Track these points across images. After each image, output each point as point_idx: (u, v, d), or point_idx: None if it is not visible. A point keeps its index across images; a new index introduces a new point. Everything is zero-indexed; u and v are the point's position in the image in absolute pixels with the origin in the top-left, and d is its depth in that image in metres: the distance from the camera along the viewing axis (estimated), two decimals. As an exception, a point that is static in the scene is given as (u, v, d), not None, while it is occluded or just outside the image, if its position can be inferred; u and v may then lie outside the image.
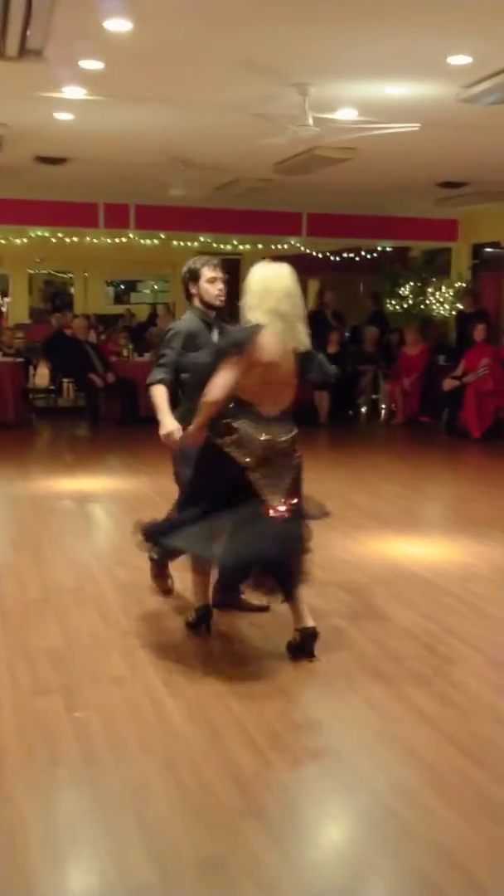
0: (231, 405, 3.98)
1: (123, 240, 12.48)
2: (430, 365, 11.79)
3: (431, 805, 2.95)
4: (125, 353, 12.57)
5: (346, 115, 6.82)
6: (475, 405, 10.45)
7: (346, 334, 13.50)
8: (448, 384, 10.65)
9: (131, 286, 19.43)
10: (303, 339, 4.01)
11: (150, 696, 3.73)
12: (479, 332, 10.86)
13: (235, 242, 13.33)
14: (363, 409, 13.11)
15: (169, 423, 4.36)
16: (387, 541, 6.23)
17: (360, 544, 6.08)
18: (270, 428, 3.98)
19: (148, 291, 19.29)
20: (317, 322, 13.26)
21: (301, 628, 4.06)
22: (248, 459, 3.94)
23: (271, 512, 3.93)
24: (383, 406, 12.84)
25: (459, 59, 5.51)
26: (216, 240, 13.14)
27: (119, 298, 20.17)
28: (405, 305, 13.84)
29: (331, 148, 7.72)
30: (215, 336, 4.50)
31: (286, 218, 12.64)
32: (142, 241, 12.63)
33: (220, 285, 4.59)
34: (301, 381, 4.10)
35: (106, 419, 11.75)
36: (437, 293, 13.31)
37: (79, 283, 19.01)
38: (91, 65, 5.69)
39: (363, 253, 14.71)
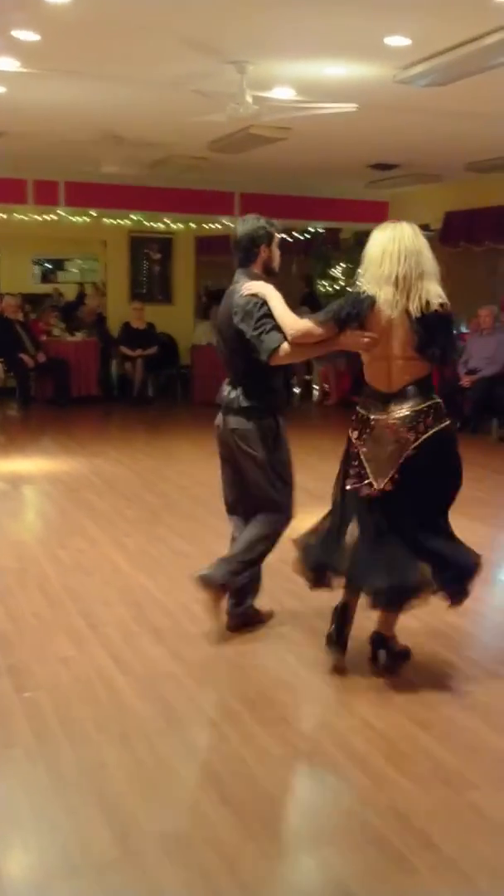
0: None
1: (52, 217, 12.25)
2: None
3: (385, 772, 3.03)
4: (56, 332, 12.41)
5: (284, 94, 6.82)
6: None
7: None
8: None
9: (58, 265, 19.09)
10: (426, 298, 3.51)
11: (100, 675, 3.73)
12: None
13: (168, 221, 13.21)
14: (296, 390, 13.19)
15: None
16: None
17: (300, 521, 6.11)
18: (385, 406, 3.62)
19: (76, 270, 18.98)
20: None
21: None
22: (358, 440, 3.69)
23: (364, 489, 3.63)
24: (316, 386, 12.94)
25: (397, 41, 5.54)
26: (148, 218, 12.99)
27: (46, 277, 19.81)
28: (337, 287, 13.95)
29: (266, 127, 7.70)
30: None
31: (219, 197, 12.58)
32: (71, 219, 12.42)
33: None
34: (421, 354, 3.56)
35: (37, 400, 11.59)
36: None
37: (4, 260, 18.63)
38: (26, 36, 5.55)
39: (295, 234, 14.74)
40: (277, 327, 3.75)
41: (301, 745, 3.24)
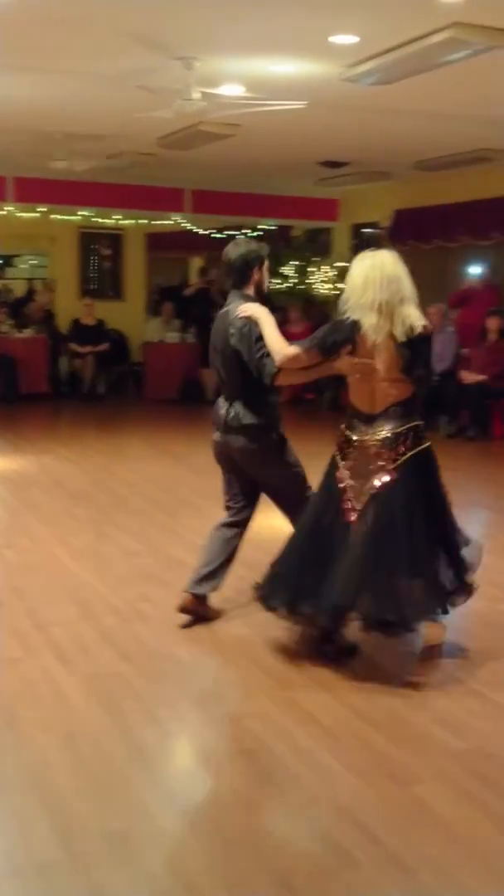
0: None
1: (1, 213, 12.10)
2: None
3: (331, 767, 3.04)
4: (4, 328, 12.26)
5: (232, 90, 6.81)
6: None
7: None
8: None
9: (7, 261, 18.85)
10: (407, 325, 3.67)
11: (46, 676, 3.69)
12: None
13: (118, 217, 13.12)
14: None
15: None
16: (277, 514, 6.30)
17: (254, 519, 6.13)
18: (367, 427, 3.77)
19: (25, 266, 18.75)
20: (203, 300, 13.27)
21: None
22: (341, 461, 3.82)
23: (348, 515, 3.73)
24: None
25: (343, 39, 5.57)
26: (98, 214, 12.89)
27: (-7, 273, 19.56)
28: (288, 284, 13.96)
29: (215, 123, 7.70)
30: None
31: (169, 194, 12.53)
32: (20, 215, 12.28)
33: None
34: (408, 376, 3.72)
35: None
36: (319, 272, 13.48)
37: (-48, 257, 18.35)
38: (-30, 29, 5.48)
39: (246, 231, 14.73)
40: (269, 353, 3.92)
41: (247, 741, 3.23)
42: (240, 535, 4.33)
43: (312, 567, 3.75)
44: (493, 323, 9.95)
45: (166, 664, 3.84)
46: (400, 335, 3.66)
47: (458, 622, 4.31)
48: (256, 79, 6.58)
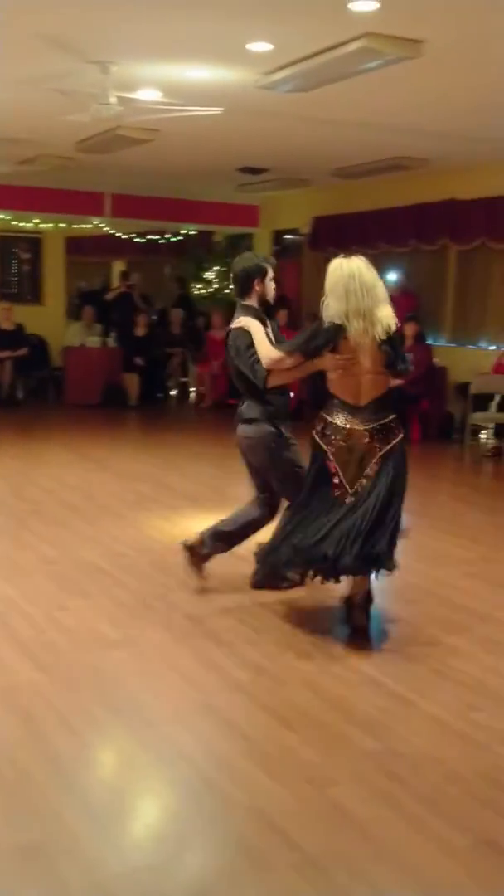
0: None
1: None
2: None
3: (249, 772, 3.05)
4: None
5: (149, 95, 6.80)
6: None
7: (154, 317, 13.50)
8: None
9: None
10: (385, 324, 4.07)
11: (-40, 688, 3.61)
12: (281, 317, 11.14)
13: (37, 221, 12.96)
14: (172, 392, 13.18)
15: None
16: (200, 520, 6.29)
17: (174, 525, 6.13)
18: (355, 416, 4.14)
19: None
20: (125, 304, 13.18)
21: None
22: (330, 448, 4.16)
23: (342, 496, 4.13)
24: (192, 389, 12.96)
25: (259, 46, 5.61)
26: (17, 218, 12.71)
27: None
28: (211, 289, 13.99)
29: (133, 128, 7.67)
30: (270, 330, 4.59)
31: (89, 198, 12.43)
32: None
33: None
34: (391, 369, 4.17)
35: None
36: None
37: None
38: None
39: (168, 236, 14.71)
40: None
41: (165, 750, 3.22)
42: (264, 517, 4.79)
43: (311, 530, 4.11)
44: (409, 329, 10.13)
45: (83, 673, 3.80)
46: (381, 334, 4.06)
47: (372, 622, 4.37)
48: (173, 84, 6.58)
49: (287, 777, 3.02)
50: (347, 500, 4.10)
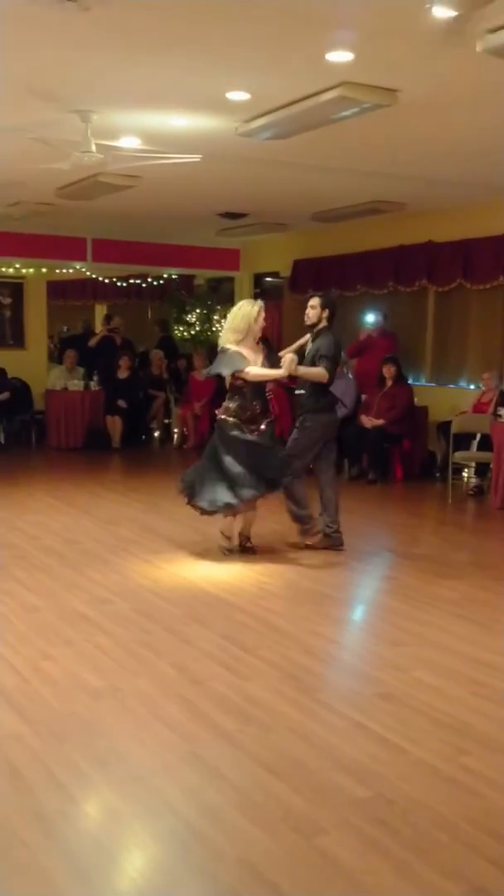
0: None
1: None
2: (218, 390, 12.03)
3: (237, 823, 3.00)
4: None
5: (129, 143, 6.89)
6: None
7: (136, 360, 13.56)
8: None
9: None
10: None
11: None
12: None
13: (18, 265, 13.03)
14: (156, 434, 13.19)
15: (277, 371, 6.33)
16: (183, 563, 6.28)
17: (157, 568, 6.10)
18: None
19: None
20: (107, 348, 13.24)
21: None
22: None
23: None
24: (175, 430, 12.97)
25: (238, 95, 5.71)
26: (-2, 263, 12.80)
27: None
28: (192, 332, 14.08)
29: (114, 175, 7.75)
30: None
31: (71, 243, 12.53)
32: None
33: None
34: None
35: None
36: (223, 321, 13.65)
37: None
38: None
39: (150, 279, 14.83)
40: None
41: (152, 802, 3.17)
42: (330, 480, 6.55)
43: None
44: (388, 370, 10.23)
45: (68, 724, 3.75)
46: None
47: (357, 665, 4.35)
48: (153, 132, 6.68)
49: (275, 827, 2.98)
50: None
